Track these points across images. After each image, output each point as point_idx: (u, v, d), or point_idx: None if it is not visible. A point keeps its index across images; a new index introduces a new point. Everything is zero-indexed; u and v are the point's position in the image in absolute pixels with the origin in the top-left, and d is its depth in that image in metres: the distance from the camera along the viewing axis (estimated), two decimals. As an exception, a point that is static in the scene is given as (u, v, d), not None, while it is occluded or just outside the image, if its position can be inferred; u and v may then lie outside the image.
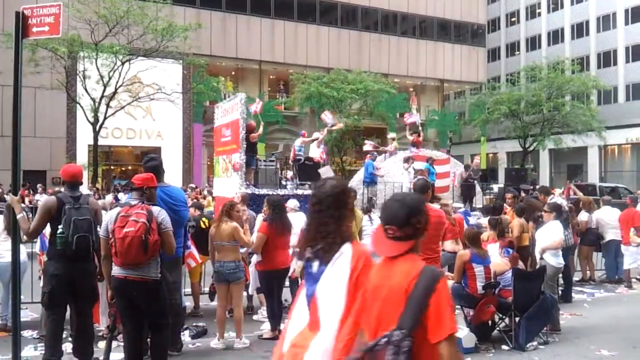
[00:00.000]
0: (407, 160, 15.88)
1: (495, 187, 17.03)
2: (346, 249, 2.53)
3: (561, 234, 7.18)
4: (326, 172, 13.85)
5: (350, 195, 2.70)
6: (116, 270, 4.67)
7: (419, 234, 2.37)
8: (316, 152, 15.12)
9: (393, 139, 18.70)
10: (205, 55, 30.17)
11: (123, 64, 23.36)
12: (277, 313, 6.75)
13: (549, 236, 7.05)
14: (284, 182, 13.20)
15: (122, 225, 4.52)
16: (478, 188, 17.47)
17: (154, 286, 4.72)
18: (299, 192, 11.49)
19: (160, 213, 4.75)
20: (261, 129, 12.43)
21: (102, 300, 6.19)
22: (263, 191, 10.86)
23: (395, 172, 16.11)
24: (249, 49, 34.92)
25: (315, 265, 2.58)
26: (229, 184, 10.68)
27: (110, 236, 4.58)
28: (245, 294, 7.78)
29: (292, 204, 8.16)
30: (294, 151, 14.36)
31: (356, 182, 17.09)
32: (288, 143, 33.15)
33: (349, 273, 2.50)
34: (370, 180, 14.88)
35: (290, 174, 14.07)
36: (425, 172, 15.39)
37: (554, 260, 7.10)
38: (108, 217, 4.73)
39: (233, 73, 36.68)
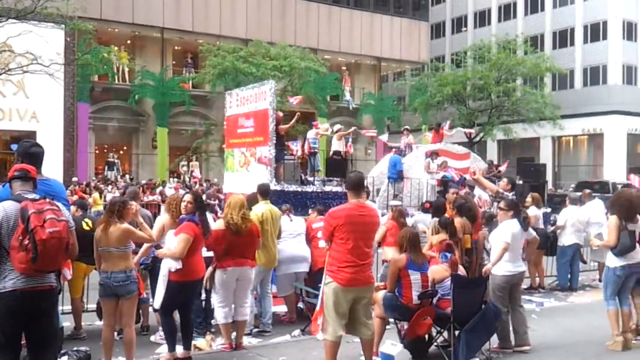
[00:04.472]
0: (431, 155, 16.52)
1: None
2: None
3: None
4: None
5: None
6: (18, 282, 4.39)
7: None
8: (338, 146, 15.87)
9: (408, 132, 19.12)
10: (94, 19, 29.21)
11: (-12, 27, 22.22)
12: (175, 330, 6.70)
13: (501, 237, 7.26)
14: (309, 178, 13.48)
15: (40, 224, 4.30)
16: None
17: (55, 294, 4.69)
18: (327, 188, 11.78)
19: (65, 210, 4.69)
20: (293, 121, 13.39)
21: None
22: (292, 188, 11.24)
23: (417, 168, 16.97)
24: (149, 13, 34.11)
25: None
26: (248, 179, 10.77)
27: (21, 237, 4.31)
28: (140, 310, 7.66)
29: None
30: (309, 144, 14.73)
31: (377, 173, 17.95)
32: (197, 129, 32.76)
33: None
34: (397, 177, 15.76)
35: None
36: (447, 167, 16.17)
37: (503, 268, 7.25)
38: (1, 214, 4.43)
39: (129, 42, 35.75)
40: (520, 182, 16.01)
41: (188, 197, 6.87)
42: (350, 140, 16.94)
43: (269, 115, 10.83)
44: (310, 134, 15.64)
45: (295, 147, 14.36)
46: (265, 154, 10.87)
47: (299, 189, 11.25)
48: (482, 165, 18.82)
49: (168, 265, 6.62)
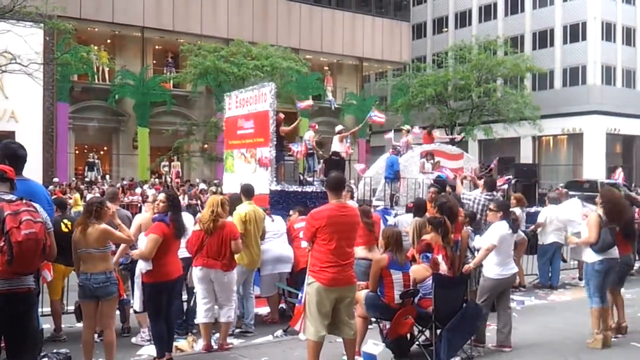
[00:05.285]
0: (426, 155, 16.89)
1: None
2: None
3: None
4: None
5: None
6: None
7: None
8: (339, 147, 16.19)
9: (408, 132, 19.32)
10: (74, 18, 28.96)
11: (-35, 26, 21.94)
12: (165, 335, 6.62)
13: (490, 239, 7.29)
14: (308, 178, 13.59)
15: (16, 225, 4.25)
16: None
17: (34, 296, 4.66)
18: None
19: (42, 211, 4.61)
20: (296, 123, 13.95)
21: None
22: (292, 188, 11.42)
23: (412, 168, 17.13)
24: (129, 12, 33.86)
25: None
26: (250, 180, 10.99)
27: None
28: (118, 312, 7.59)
29: None
30: (305, 145, 14.89)
31: (373, 173, 18.11)
32: (178, 129, 32.60)
33: None
34: (394, 177, 15.93)
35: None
36: (441, 167, 16.42)
37: (493, 272, 7.26)
38: None
39: (109, 41, 35.45)
40: (514, 181, 16.24)
41: (161, 196, 6.81)
42: (349, 140, 17.20)
43: (269, 117, 10.96)
44: (307, 135, 15.80)
45: (297, 148, 14.51)
46: (266, 155, 10.97)
47: (299, 189, 11.45)
48: (475, 165, 18.98)
49: (140, 267, 6.58)
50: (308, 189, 11.72)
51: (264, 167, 11.13)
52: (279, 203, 10.44)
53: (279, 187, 11.02)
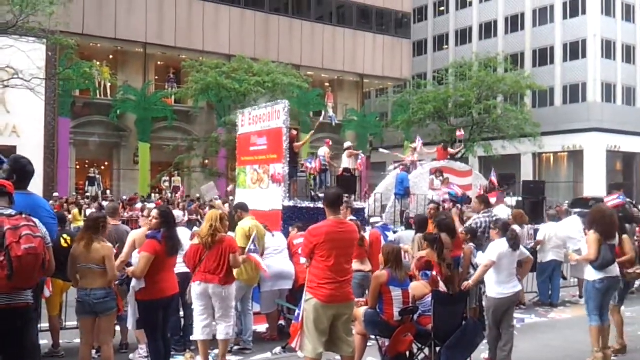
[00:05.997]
0: (435, 172, 17.07)
1: (510, 201, 18.44)
2: None
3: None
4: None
5: None
6: None
7: None
8: (348, 163, 16.55)
9: (415, 150, 19.44)
10: (76, 34, 29.11)
11: (-32, 41, 22.07)
12: (163, 352, 6.58)
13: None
14: (320, 195, 13.68)
15: (16, 240, 4.26)
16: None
17: (31, 311, 4.64)
18: None
19: (42, 226, 4.61)
20: (308, 136, 14.53)
21: None
22: (305, 204, 11.54)
23: (422, 185, 17.30)
24: (132, 28, 34.06)
25: None
26: (263, 196, 11.29)
27: None
28: (118, 328, 7.56)
29: (177, 215, 8.05)
30: (319, 161, 15.03)
31: (383, 190, 18.27)
32: (179, 144, 32.66)
33: None
34: (404, 194, 16.12)
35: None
36: (450, 183, 16.59)
37: (494, 291, 7.25)
38: None
39: (111, 57, 35.65)
40: (520, 198, 16.23)
41: (154, 213, 6.74)
42: (360, 157, 17.35)
43: (283, 133, 11.11)
44: (321, 151, 15.94)
45: (311, 164, 14.61)
46: (279, 171, 11.06)
47: (312, 205, 11.53)
48: (483, 182, 18.99)
49: (133, 284, 6.57)
50: (320, 204, 11.77)
51: (277, 183, 11.24)
52: (292, 219, 10.53)
53: (291, 203, 11.16)
